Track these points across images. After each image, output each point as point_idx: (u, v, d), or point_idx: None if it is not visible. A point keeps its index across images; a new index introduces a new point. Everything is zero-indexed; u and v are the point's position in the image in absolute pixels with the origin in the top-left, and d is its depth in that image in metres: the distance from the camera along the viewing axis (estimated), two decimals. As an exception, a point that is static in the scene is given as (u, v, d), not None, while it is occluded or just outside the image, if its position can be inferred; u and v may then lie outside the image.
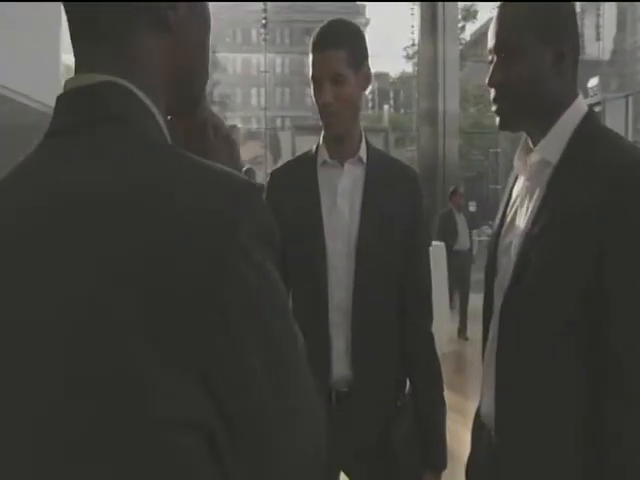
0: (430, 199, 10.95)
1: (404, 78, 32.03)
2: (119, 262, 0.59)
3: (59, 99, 0.72)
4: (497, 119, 1.34)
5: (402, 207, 1.70)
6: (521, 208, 1.34)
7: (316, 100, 1.66)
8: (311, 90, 1.66)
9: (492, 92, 1.33)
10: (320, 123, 1.70)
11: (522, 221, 1.31)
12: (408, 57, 28.64)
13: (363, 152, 1.72)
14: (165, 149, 0.69)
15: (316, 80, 1.64)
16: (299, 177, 1.75)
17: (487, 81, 1.32)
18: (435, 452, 1.71)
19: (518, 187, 1.40)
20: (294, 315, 1.71)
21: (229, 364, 0.61)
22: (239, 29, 49.72)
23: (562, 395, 1.21)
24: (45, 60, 9.49)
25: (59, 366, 0.60)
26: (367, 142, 1.75)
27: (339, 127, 1.66)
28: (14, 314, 0.62)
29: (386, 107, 21.98)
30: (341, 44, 1.60)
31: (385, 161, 1.78)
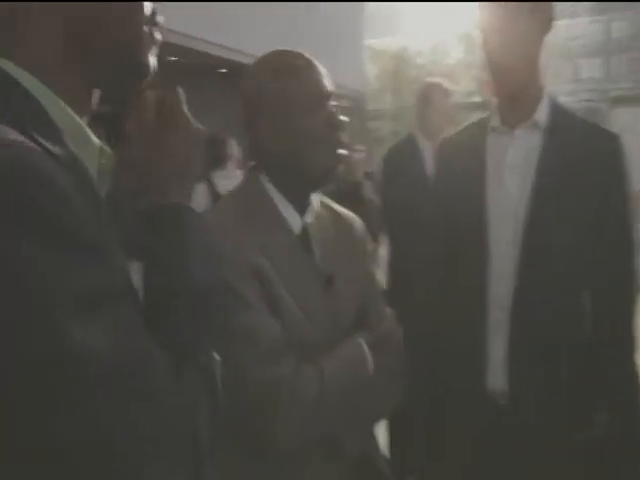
0: None
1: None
2: None
3: None
4: None
5: (592, 188, 1.32)
6: None
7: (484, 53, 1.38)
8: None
9: None
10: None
11: None
12: None
13: (542, 115, 1.39)
14: None
15: (481, 29, 1.37)
16: (467, 147, 1.46)
17: None
18: None
19: None
20: (450, 310, 1.44)
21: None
22: None
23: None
24: (349, 45, 10.10)
25: None
26: (552, 103, 1.40)
27: (511, 86, 1.36)
28: None
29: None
30: None
31: (574, 127, 1.40)
